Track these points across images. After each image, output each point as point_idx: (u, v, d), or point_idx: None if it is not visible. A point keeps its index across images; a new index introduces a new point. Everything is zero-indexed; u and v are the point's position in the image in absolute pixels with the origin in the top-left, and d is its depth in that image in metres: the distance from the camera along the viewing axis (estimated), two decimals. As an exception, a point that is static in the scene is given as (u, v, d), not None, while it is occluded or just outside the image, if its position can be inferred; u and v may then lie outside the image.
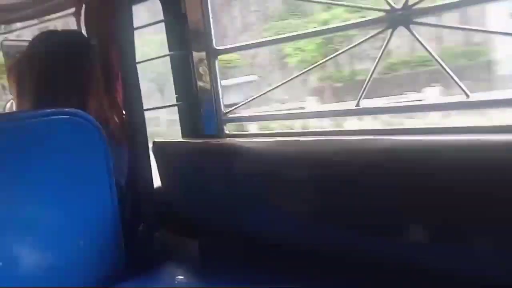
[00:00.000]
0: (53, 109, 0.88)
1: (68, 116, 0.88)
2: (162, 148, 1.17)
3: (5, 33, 1.58)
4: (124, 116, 1.17)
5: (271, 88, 1.04)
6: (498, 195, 0.65)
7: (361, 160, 0.82)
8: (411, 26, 0.77)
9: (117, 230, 0.98)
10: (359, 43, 0.83)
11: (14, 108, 1.45)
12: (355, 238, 0.85)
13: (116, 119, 1.15)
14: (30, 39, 1.37)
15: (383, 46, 0.80)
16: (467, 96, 0.77)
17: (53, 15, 1.45)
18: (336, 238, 0.89)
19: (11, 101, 1.52)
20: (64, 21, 1.43)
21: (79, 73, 1.05)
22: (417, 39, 0.76)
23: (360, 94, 0.85)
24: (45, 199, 0.89)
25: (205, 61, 1.10)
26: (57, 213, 0.91)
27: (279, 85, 1.03)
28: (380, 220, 0.80)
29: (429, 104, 0.82)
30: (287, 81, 1.01)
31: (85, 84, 1.06)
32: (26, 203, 0.87)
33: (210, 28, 1.09)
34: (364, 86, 0.83)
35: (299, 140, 0.95)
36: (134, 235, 1.08)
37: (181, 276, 1.03)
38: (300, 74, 0.95)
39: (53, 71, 1.03)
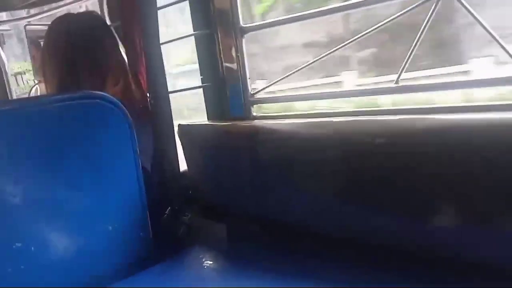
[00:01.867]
0: (79, 93, 0.87)
1: (93, 100, 0.86)
2: (187, 131, 1.15)
3: (27, 17, 1.57)
4: (148, 98, 1.15)
5: (303, 65, 0.99)
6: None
7: (394, 141, 0.77)
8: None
9: (144, 213, 0.97)
10: (401, 14, 0.77)
11: (39, 93, 1.45)
12: (385, 223, 0.82)
13: (141, 101, 1.13)
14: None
15: (426, 19, 0.74)
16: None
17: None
18: (364, 223, 0.85)
19: (36, 86, 1.52)
20: (86, 3, 1.41)
21: (99, 55, 1.04)
22: (467, 9, 0.70)
23: (400, 71, 0.79)
24: (73, 182, 0.89)
25: (232, 40, 1.06)
26: (85, 197, 0.91)
27: (313, 61, 0.98)
28: (411, 205, 0.76)
29: (478, 80, 0.76)
30: (321, 57, 0.96)
31: (108, 66, 1.04)
32: (54, 185, 0.86)
33: (237, 6, 1.05)
34: (405, 61, 0.78)
35: (328, 121, 0.91)
36: (160, 218, 1.07)
37: (209, 260, 1.01)
38: (337, 48, 0.89)
39: (76, 54, 1.02)
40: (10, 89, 1.53)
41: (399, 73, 0.81)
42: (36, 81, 1.49)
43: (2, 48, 1.52)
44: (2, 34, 1.53)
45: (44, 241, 0.85)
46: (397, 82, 0.82)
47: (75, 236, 0.89)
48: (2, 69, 1.52)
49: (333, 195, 0.89)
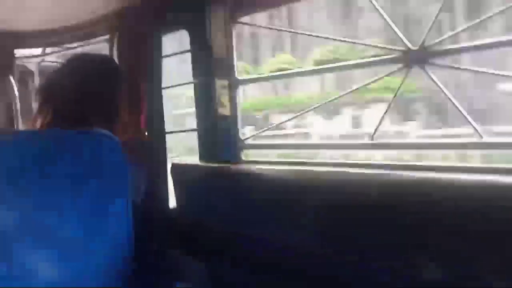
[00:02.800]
0: (81, 129, 0.93)
1: (94, 136, 0.92)
2: (180, 170, 1.21)
3: (42, 55, 1.68)
4: (146, 137, 1.22)
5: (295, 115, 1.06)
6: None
7: (374, 193, 0.83)
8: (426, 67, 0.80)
9: (129, 246, 1.00)
10: (374, 81, 0.86)
11: (39, 123, 1.52)
12: (367, 270, 0.85)
13: (139, 140, 1.20)
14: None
15: (400, 85, 0.82)
16: (481, 137, 0.78)
17: (88, 41, 1.55)
18: (347, 269, 0.89)
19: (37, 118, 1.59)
20: (98, 46, 1.52)
21: (106, 95, 1.10)
22: (433, 81, 0.78)
23: (374, 129, 0.87)
24: (63, 210, 0.93)
25: (227, 90, 1.15)
26: (75, 227, 0.94)
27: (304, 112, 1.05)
28: (389, 255, 0.80)
29: (444, 143, 0.83)
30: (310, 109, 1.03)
31: (111, 105, 1.11)
32: (46, 215, 0.90)
33: (233, 60, 1.14)
34: (379, 121, 0.86)
35: (312, 170, 0.96)
36: (145, 252, 1.10)
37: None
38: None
39: (83, 91, 1.08)
40: (18, 123, 1.60)
41: (374, 130, 0.88)
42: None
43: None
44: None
45: (29, 267, 0.88)
46: (372, 138, 0.89)
47: (59, 264, 0.92)
48: (13, 102, 1.60)
49: (315, 238, 0.93)
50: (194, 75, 1.23)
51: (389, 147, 0.87)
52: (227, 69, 1.15)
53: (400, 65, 0.82)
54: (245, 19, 1.12)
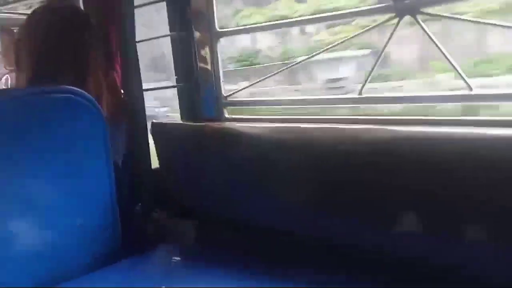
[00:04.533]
0: (53, 87, 0.87)
1: (67, 94, 0.87)
2: (160, 129, 1.17)
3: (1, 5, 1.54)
4: (122, 96, 1.16)
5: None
6: (502, 189, 0.66)
7: (360, 149, 0.82)
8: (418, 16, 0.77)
9: (113, 209, 0.99)
10: (364, 31, 0.82)
11: (10, 82, 1.43)
12: (350, 226, 0.86)
13: (115, 98, 1.14)
14: (26, 12, 1.34)
15: (390, 35, 0.79)
16: (471, 89, 0.77)
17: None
18: (331, 227, 0.90)
19: (6, 75, 1.50)
20: None
21: (78, 50, 1.04)
22: (424, 30, 0.75)
23: (363, 83, 0.85)
24: (43, 176, 0.89)
25: (207, 43, 1.09)
26: (55, 190, 0.91)
27: (289, 66, 1.02)
28: (376, 211, 0.81)
29: (433, 96, 0.83)
30: (295, 64, 1.00)
31: (84, 61, 1.04)
32: (24, 179, 0.87)
33: (213, 10, 1.07)
34: (368, 75, 0.83)
35: (299, 127, 0.95)
36: (130, 215, 1.08)
37: (176, 257, 1.03)
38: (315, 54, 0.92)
39: (52, 46, 1.01)
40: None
41: (362, 85, 0.86)
42: (7, 70, 1.47)
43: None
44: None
45: (10, 234, 0.85)
46: (360, 93, 0.87)
47: (42, 229, 0.90)
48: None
49: (301, 199, 0.93)
50: (171, 28, 1.16)
51: (378, 101, 0.85)
52: (207, 20, 1.08)
53: (391, 15, 0.79)
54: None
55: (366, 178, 0.80)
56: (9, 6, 1.59)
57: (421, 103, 0.83)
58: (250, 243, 1.01)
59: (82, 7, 1.24)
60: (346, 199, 0.84)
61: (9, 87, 1.51)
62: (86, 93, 0.89)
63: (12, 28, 1.48)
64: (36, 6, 1.18)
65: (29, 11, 1.40)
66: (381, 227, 0.80)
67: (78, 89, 0.89)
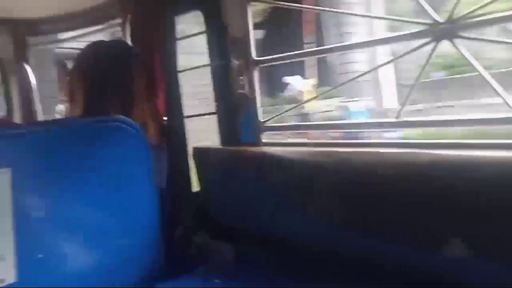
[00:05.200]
0: (102, 117, 0.94)
1: (115, 123, 0.93)
2: (201, 154, 1.21)
3: (56, 41, 1.67)
4: (165, 122, 1.22)
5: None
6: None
7: (398, 173, 0.82)
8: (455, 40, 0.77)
9: (156, 231, 1.02)
10: (402, 56, 0.83)
11: (64, 111, 1.54)
12: (390, 249, 0.85)
13: (158, 125, 1.20)
14: (78, 47, 1.45)
15: (427, 59, 0.80)
16: (513, 110, 0.75)
17: (101, 26, 1.53)
18: (370, 248, 0.89)
19: (60, 105, 1.61)
20: (111, 31, 1.51)
21: (125, 81, 1.11)
22: (463, 55, 0.75)
23: (401, 106, 0.85)
24: (91, 199, 0.94)
25: (245, 71, 1.13)
26: (101, 213, 0.96)
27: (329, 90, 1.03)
28: (413, 234, 0.79)
29: (479, 119, 0.81)
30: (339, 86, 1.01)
31: (130, 91, 1.11)
32: (75, 202, 0.92)
33: (250, 39, 1.12)
34: (405, 98, 0.84)
35: (336, 151, 0.95)
36: (172, 237, 1.12)
37: (217, 279, 1.05)
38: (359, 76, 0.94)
39: (101, 79, 1.09)
40: (36, 109, 1.62)
41: (400, 108, 0.86)
42: (61, 101, 1.58)
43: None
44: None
45: (63, 253, 0.90)
46: (398, 116, 0.87)
47: (90, 250, 0.94)
48: (30, 90, 1.61)
49: (340, 222, 0.93)
50: (211, 57, 1.21)
51: (416, 125, 0.85)
52: (244, 49, 1.13)
53: (427, 39, 0.79)
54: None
55: (405, 201, 0.79)
56: (65, 43, 1.72)
57: (460, 126, 0.81)
58: (290, 265, 1.01)
59: (128, 40, 1.33)
60: (385, 222, 0.83)
61: (61, 114, 1.62)
62: (132, 121, 0.95)
63: (66, 61, 1.60)
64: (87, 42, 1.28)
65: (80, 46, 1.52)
66: (420, 250, 0.78)
67: (125, 118, 0.95)
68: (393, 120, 0.88)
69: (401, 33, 0.81)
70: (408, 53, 0.82)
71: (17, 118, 1.62)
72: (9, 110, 1.63)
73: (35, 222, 0.85)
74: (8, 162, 0.76)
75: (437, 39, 0.78)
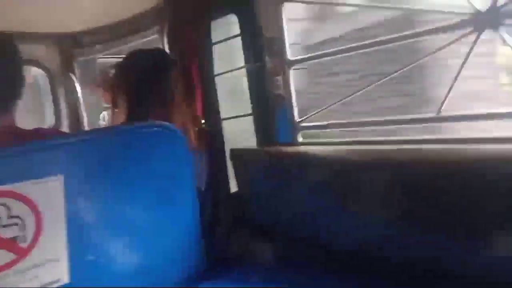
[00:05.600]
0: (145, 122, 0.97)
1: (157, 128, 0.96)
2: (238, 155, 1.22)
3: (98, 52, 1.76)
4: (203, 125, 1.24)
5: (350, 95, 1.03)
6: None
7: (442, 170, 0.79)
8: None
9: (197, 232, 1.04)
10: (443, 47, 0.80)
11: (107, 118, 1.61)
12: (432, 247, 0.82)
13: (197, 128, 1.23)
14: (119, 56, 1.52)
15: (469, 50, 0.76)
16: None
17: (139, 35, 1.59)
18: (411, 248, 0.86)
19: (104, 112, 1.69)
20: (150, 39, 1.56)
21: (165, 87, 1.15)
22: (508, 44, 0.71)
23: (442, 101, 0.82)
24: (136, 202, 0.98)
25: (280, 71, 1.14)
26: (145, 216, 0.99)
27: (360, 91, 1.02)
28: (462, 232, 0.76)
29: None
30: (368, 87, 1.00)
31: (170, 97, 1.15)
32: (121, 206, 0.96)
33: (285, 40, 1.12)
34: (447, 91, 0.80)
35: (376, 149, 0.93)
36: (212, 238, 1.14)
37: (258, 279, 1.06)
38: (385, 79, 0.92)
39: (143, 87, 1.13)
40: (83, 118, 1.71)
41: (441, 104, 0.83)
42: (105, 108, 1.66)
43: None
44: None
45: (110, 255, 0.94)
46: (439, 112, 0.84)
47: (135, 251, 0.98)
48: (76, 99, 1.70)
49: (381, 220, 0.91)
50: (245, 59, 1.23)
51: (459, 119, 0.81)
52: (279, 50, 1.13)
53: (469, 29, 0.76)
54: (295, -4, 1.08)
55: (449, 198, 0.76)
56: (107, 51, 1.80)
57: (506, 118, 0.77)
58: (328, 262, 1.00)
59: (166, 47, 1.37)
60: (428, 219, 0.80)
61: (105, 121, 1.70)
62: (173, 125, 0.98)
63: (109, 70, 1.68)
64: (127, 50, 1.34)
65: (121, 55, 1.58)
66: (468, 248, 0.75)
67: (166, 123, 0.98)
68: (434, 115, 0.85)
69: (441, 24, 0.78)
70: (449, 44, 0.78)
71: (65, 127, 1.72)
72: (58, 120, 1.73)
73: (85, 225, 0.90)
74: (60, 170, 0.81)
75: (479, 28, 0.75)
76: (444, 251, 0.80)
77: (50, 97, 1.72)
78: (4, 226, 0.75)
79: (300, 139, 1.16)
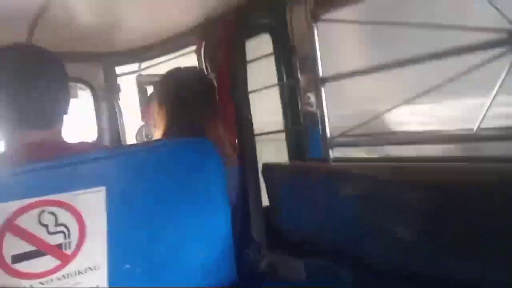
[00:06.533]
0: (183, 138, 1.01)
1: (194, 144, 1.00)
2: (271, 170, 1.24)
3: (139, 70, 1.85)
4: (237, 141, 1.27)
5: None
6: None
7: (477, 189, 0.77)
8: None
9: (229, 248, 1.06)
10: (475, 68, 0.79)
11: (144, 133, 1.68)
12: (460, 267, 0.80)
13: (230, 144, 1.26)
14: (158, 73, 1.59)
15: (506, 71, 0.75)
16: None
17: (177, 53, 1.66)
18: (443, 267, 0.84)
19: (140, 127, 1.76)
20: (188, 57, 1.63)
21: (202, 105, 1.19)
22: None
23: (480, 119, 0.80)
24: (172, 215, 1.01)
25: (312, 88, 1.16)
26: (180, 229, 1.02)
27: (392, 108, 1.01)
28: (495, 252, 0.74)
29: None
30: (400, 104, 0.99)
31: (206, 114, 1.19)
32: (157, 218, 0.99)
33: (317, 58, 1.14)
34: (484, 110, 0.79)
35: (411, 166, 0.92)
36: (244, 253, 1.15)
37: (288, 295, 1.06)
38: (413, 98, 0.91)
39: (181, 105, 1.18)
40: (124, 133, 1.79)
41: (480, 120, 0.81)
42: (143, 123, 1.73)
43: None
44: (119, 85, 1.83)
45: (146, 265, 0.97)
46: (477, 129, 0.82)
47: (169, 264, 1.00)
48: (119, 116, 1.79)
49: (412, 239, 0.89)
50: (279, 76, 1.26)
51: (497, 139, 0.79)
52: (311, 68, 1.15)
53: (504, 49, 0.75)
54: (328, 15, 1.11)
55: (481, 217, 0.74)
56: (147, 70, 1.89)
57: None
58: (360, 281, 0.99)
59: (203, 65, 1.43)
60: (460, 239, 0.78)
61: (143, 136, 1.77)
62: (208, 141, 1.01)
63: (147, 86, 1.76)
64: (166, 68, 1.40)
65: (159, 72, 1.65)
66: (502, 269, 0.72)
67: (202, 139, 1.02)
68: (472, 133, 0.83)
69: (474, 42, 0.77)
70: (482, 65, 0.77)
71: (106, 141, 1.81)
72: (100, 135, 1.82)
73: (124, 235, 0.94)
74: (103, 182, 0.86)
75: (517, 47, 0.73)
76: (470, 271, 0.77)
77: (94, 113, 1.81)
78: (52, 233, 0.80)
79: (332, 155, 1.17)
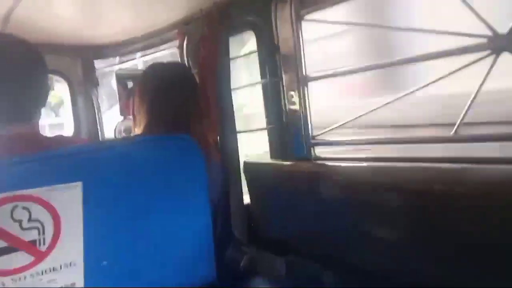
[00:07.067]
0: (163, 134, 0.99)
1: (175, 140, 0.98)
2: (252, 168, 1.24)
3: (118, 64, 1.81)
4: (218, 138, 1.26)
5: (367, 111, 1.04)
6: None
7: (459, 190, 0.79)
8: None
9: (209, 244, 1.05)
10: (459, 69, 0.81)
11: (120, 128, 1.64)
12: (446, 270, 0.81)
13: (212, 140, 1.25)
14: (138, 68, 1.55)
15: (486, 73, 0.77)
16: None
17: (159, 48, 1.63)
18: (424, 269, 0.86)
19: (119, 122, 1.72)
20: (168, 53, 1.60)
21: (183, 100, 1.17)
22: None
23: (458, 121, 0.82)
24: (150, 211, 0.99)
25: (296, 87, 1.16)
26: (159, 226, 1.00)
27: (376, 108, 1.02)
28: (478, 255, 0.76)
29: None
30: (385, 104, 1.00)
31: (188, 110, 1.17)
32: (135, 214, 0.97)
33: (302, 57, 1.14)
34: (463, 112, 0.81)
35: (391, 166, 0.94)
36: (223, 250, 1.14)
37: (267, 292, 1.06)
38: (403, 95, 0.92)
39: (161, 99, 1.15)
40: (102, 127, 1.75)
41: (457, 123, 0.83)
42: (121, 118, 1.69)
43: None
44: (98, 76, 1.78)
45: (123, 261, 0.95)
46: (456, 132, 0.84)
47: (147, 260, 0.98)
48: (96, 109, 1.75)
49: (391, 239, 0.91)
50: (262, 75, 1.25)
51: (476, 140, 0.81)
52: (296, 67, 1.15)
53: (486, 52, 0.77)
54: (313, 15, 1.11)
55: (464, 220, 0.76)
56: (126, 64, 1.85)
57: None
58: (337, 280, 1.00)
59: (185, 61, 1.41)
60: (442, 241, 0.80)
61: (120, 131, 1.73)
62: (190, 137, 0.99)
63: (126, 80, 1.72)
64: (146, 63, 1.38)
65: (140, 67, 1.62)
66: (484, 273, 0.74)
67: (184, 135, 1.00)
68: (450, 135, 0.85)
69: (457, 46, 0.79)
70: (465, 66, 0.79)
71: (84, 136, 1.76)
72: (77, 129, 1.77)
73: (101, 231, 0.91)
74: (79, 176, 0.83)
75: (497, 51, 0.76)
76: (453, 276, 0.79)
77: (70, 106, 1.76)
78: (25, 229, 0.77)
79: (314, 155, 1.17)
